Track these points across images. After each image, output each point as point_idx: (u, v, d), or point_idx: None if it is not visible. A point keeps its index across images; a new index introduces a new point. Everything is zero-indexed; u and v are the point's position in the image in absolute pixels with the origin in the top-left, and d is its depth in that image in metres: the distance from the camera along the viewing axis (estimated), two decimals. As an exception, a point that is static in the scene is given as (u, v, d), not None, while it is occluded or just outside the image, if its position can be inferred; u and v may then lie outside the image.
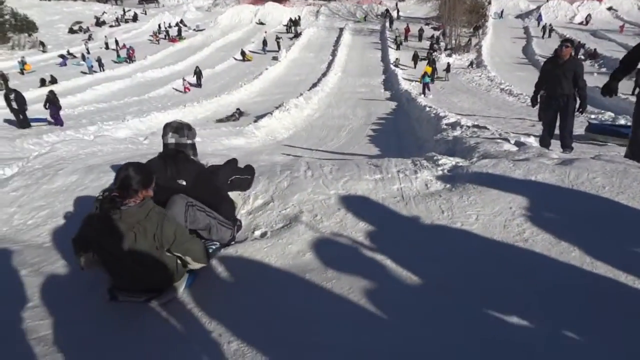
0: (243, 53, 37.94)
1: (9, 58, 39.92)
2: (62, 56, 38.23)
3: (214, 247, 3.01)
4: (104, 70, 34.38)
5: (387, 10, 51.01)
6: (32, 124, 17.14)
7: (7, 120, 17.45)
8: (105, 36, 45.78)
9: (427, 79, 23.44)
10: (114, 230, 2.37)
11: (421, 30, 42.23)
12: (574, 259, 2.53)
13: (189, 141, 3.10)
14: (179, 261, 2.61)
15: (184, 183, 2.93)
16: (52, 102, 17.60)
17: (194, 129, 3.19)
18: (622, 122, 11.54)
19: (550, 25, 40.14)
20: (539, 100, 7.03)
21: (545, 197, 3.32)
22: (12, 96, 16.70)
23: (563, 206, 3.16)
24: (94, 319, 2.49)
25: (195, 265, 2.65)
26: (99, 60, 34.99)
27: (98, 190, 3.95)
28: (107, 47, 42.06)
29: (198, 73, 29.85)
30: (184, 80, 28.73)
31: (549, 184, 3.51)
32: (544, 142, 6.60)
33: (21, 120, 16.90)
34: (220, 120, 18.94)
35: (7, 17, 46.69)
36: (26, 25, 47.48)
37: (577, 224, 2.89)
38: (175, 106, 21.42)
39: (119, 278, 2.56)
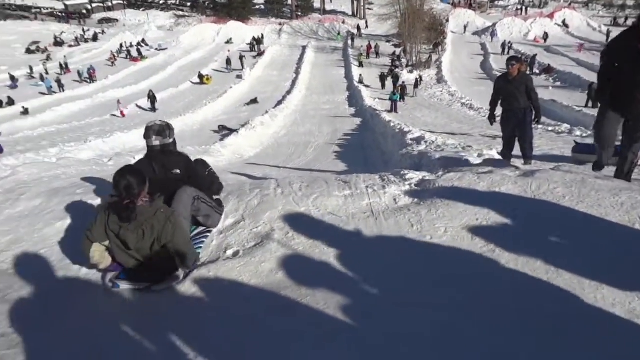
0: (201, 76, 36.04)
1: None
2: (12, 77, 36.58)
3: (202, 243, 3.38)
4: (63, 90, 33.59)
5: (358, 27, 52.00)
6: None
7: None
8: (65, 56, 44.87)
9: (396, 97, 23.72)
10: (128, 226, 2.74)
11: (377, 47, 43.12)
12: (539, 268, 2.62)
13: (171, 140, 3.44)
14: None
15: (178, 171, 3.35)
16: None
17: (172, 127, 3.52)
18: (577, 133, 12.00)
19: (510, 43, 41.51)
20: (496, 116, 7.23)
21: (510, 208, 3.42)
22: None
23: (527, 216, 3.27)
24: (64, 346, 2.42)
25: (179, 265, 2.92)
26: (58, 81, 34.20)
27: (64, 213, 3.92)
28: (66, 67, 41.11)
29: (152, 97, 28.35)
30: (119, 103, 26.99)
31: (512, 195, 3.63)
32: (505, 155, 6.81)
33: None
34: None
35: (-41, 37, 45.34)
36: (-21, 46, 46.13)
37: (540, 234, 3.00)
38: (139, 126, 21.08)
39: (127, 265, 2.91)
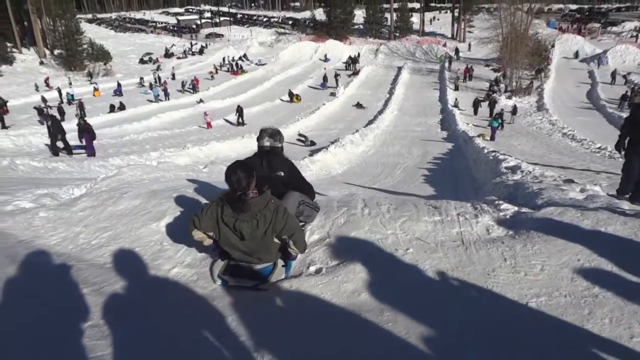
0: (291, 94, 35.79)
1: (84, 84, 42.65)
2: (118, 84, 39.67)
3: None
4: (169, 99, 35.91)
5: (456, 49, 51.13)
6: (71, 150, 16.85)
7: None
8: (173, 67, 48.10)
9: (496, 123, 22.84)
10: (243, 217, 2.91)
11: (471, 70, 42.03)
12: (650, 321, 2.36)
13: (280, 144, 3.75)
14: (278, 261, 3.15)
15: (282, 174, 3.61)
16: (84, 130, 16.87)
17: (282, 134, 3.84)
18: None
19: (628, 72, 38.76)
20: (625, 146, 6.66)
21: (617, 250, 3.13)
22: (48, 123, 16.61)
23: (637, 262, 2.96)
24: (151, 340, 2.51)
25: (294, 250, 3.11)
26: (164, 90, 36.69)
27: (160, 214, 4.12)
28: (172, 77, 43.93)
29: (240, 111, 28.39)
30: (205, 114, 27.18)
31: (620, 237, 3.32)
32: (623, 190, 6.27)
33: (54, 146, 16.70)
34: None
35: (85, 46, 50.08)
36: (101, 55, 50.74)
37: (653, 283, 2.71)
38: (233, 137, 22.02)
39: (230, 256, 3.12)
